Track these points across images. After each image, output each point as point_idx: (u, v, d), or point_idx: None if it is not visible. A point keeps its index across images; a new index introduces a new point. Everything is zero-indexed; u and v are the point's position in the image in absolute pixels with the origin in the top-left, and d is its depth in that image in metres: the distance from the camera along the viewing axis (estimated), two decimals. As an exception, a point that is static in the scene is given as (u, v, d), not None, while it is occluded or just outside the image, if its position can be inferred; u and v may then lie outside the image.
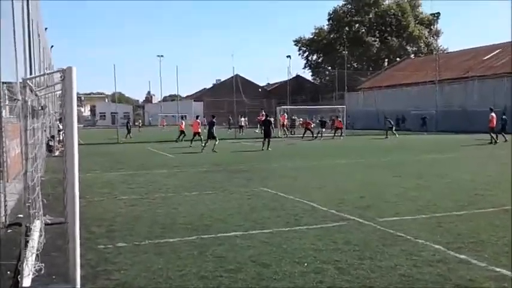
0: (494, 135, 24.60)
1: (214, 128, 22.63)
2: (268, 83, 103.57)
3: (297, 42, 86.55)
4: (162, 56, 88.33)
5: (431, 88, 48.72)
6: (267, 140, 22.74)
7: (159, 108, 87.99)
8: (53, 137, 22.13)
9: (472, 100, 43.63)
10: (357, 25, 79.39)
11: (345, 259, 5.39)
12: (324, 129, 33.20)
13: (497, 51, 49.81)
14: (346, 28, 79.03)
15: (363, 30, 77.75)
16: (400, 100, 51.21)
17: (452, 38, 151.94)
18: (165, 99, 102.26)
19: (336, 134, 33.60)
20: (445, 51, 70.70)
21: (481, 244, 5.84)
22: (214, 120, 23.29)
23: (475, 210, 7.87)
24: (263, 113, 30.89)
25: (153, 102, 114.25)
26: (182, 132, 30.85)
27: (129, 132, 37.71)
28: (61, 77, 4.48)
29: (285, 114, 39.51)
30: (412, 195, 9.54)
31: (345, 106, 41.98)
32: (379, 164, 15.83)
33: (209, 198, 9.71)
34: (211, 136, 22.63)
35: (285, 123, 37.81)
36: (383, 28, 78.50)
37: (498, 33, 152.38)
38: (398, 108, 49.54)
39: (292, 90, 65.68)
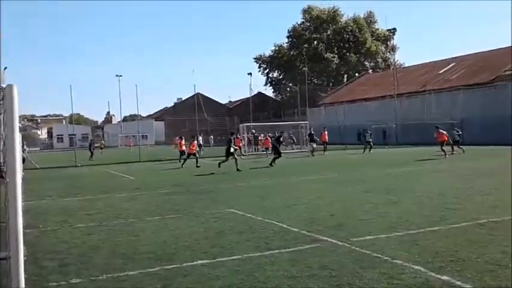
0: (446, 148, 24.59)
1: (232, 145, 21.60)
2: (230, 101, 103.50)
3: (257, 59, 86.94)
4: (120, 75, 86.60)
5: (390, 102, 49.61)
6: (232, 159, 21.53)
7: (119, 129, 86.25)
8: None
9: (430, 113, 44.62)
10: (316, 42, 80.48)
11: (321, 287, 4.99)
12: (315, 145, 32.10)
13: (452, 64, 51.41)
14: (306, 45, 79.97)
15: (322, 46, 78.82)
16: (361, 114, 51.87)
17: (408, 53, 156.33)
18: (125, 119, 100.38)
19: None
20: (402, 66, 72.47)
21: (461, 263, 5.57)
22: (232, 137, 22.37)
23: (449, 226, 7.65)
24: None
25: (113, 122, 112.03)
26: (182, 152, 29.71)
27: (92, 154, 36.49)
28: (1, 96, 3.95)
29: (240, 137, 37.57)
30: (382, 211, 9.30)
31: (307, 122, 42.11)
32: (346, 179, 15.64)
33: (172, 222, 9.17)
34: (228, 154, 21.95)
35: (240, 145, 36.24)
36: (341, 44, 79.89)
37: (452, 47, 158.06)
38: (359, 122, 50.11)
39: (255, 107, 65.68)
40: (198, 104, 66.63)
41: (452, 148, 25.52)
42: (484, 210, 8.90)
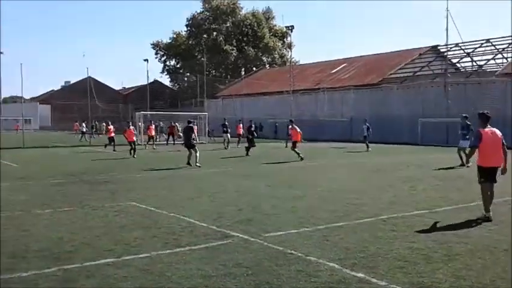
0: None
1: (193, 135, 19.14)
2: (124, 87, 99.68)
3: (154, 45, 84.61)
4: (1, 52, 78.96)
5: (286, 98, 50.99)
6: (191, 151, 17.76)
7: (-2, 111, 78.83)
8: None
9: (323, 110, 46.63)
10: (215, 33, 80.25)
11: (240, 286, 4.78)
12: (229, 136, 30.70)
13: (343, 65, 54.14)
14: (205, 35, 79.43)
15: (221, 38, 78.79)
16: (258, 108, 52.74)
17: (303, 51, 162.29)
18: (5, 100, 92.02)
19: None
20: (297, 63, 74.93)
21: (372, 259, 5.68)
22: (190, 125, 19.07)
23: (355, 221, 7.86)
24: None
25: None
26: (151, 137, 28.99)
27: None
28: None
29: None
30: (289, 206, 9.34)
31: (206, 113, 41.79)
32: (248, 173, 15.63)
33: (67, 216, 8.40)
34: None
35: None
36: (240, 38, 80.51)
37: (343, 48, 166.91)
38: (256, 116, 50.92)
39: (151, 95, 63.80)
40: (90, 88, 63.07)
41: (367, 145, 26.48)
42: (383, 206, 9.30)
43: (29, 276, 5.14)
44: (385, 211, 8.73)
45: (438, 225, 7.61)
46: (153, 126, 31.29)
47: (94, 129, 50.06)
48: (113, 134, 27.10)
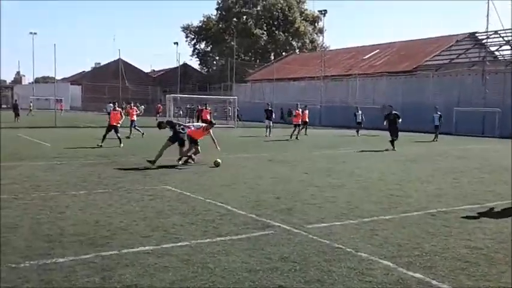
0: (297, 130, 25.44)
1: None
2: (154, 70, 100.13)
3: (184, 29, 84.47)
4: (35, 33, 79.61)
5: (316, 83, 50.19)
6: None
7: (30, 90, 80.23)
8: None
9: (354, 97, 45.72)
10: (245, 17, 79.51)
11: (289, 283, 4.44)
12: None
13: (376, 51, 52.88)
14: (235, 19, 78.77)
15: (251, 22, 78.04)
16: (288, 93, 52.11)
17: (334, 36, 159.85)
18: (37, 80, 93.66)
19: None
20: (328, 49, 73.70)
21: (428, 258, 5.26)
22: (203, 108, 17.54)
23: (402, 214, 7.42)
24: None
25: (23, 83, 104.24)
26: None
27: (17, 115, 33.38)
28: None
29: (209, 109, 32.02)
30: (329, 195, 8.93)
31: (236, 97, 41.46)
32: (282, 159, 15.26)
33: (102, 198, 8.20)
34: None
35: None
36: (270, 22, 79.60)
37: (376, 34, 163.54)
38: (286, 101, 50.37)
39: (180, 78, 63.85)
40: (120, 70, 63.60)
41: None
42: (429, 198, 8.82)
43: (66, 262, 4.91)
44: (432, 204, 8.26)
45: (492, 221, 7.11)
46: (209, 110, 29.22)
47: (124, 111, 50.37)
48: (134, 117, 26.19)
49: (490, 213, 7.71)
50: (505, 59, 41.31)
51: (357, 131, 29.95)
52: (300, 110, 26.77)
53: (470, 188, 10.27)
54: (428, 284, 4.50)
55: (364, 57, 52.60)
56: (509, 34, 41.75)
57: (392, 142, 18.75)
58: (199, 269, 4.76)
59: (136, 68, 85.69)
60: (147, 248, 5.42)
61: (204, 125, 14.61)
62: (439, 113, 27.63)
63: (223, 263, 4.97)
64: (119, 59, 61.99)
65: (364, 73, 47.55)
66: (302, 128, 26.70)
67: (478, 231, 6.46)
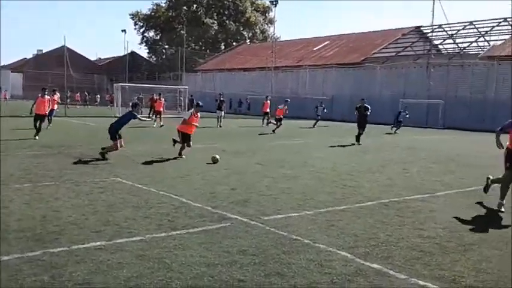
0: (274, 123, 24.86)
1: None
2: (100, 58, 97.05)
3: (133, 16, 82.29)
4: (-28, 16, 75.30)
5: (267, 74, 50.30)
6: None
7: (-33, 78, 75.86)
8: None
9: (305, 88, 46.22)
10: (195, 5, 78.42)
11: (249, 277, 4.35)
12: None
13: (326, 43, 53.60)
14: (185, 7, 77.53)
15: (202, 11, 77.07)
16: (238, 84, 51.99)
17: (284, 27, 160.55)
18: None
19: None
20: (278, 40, 73.98)
21: (385, 248, 5.33)
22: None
23: (356, 205, 7.50)
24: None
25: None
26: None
27: None
28: None
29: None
30: (283, 186, 8.92)
31: (187, 87, 40.86)
32: (235, 150, 15.14)
33: (49, 192, 7.80)
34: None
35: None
36: (221, 11, 78.95)
37: (327, 26, 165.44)
38: (237, 91, 50.24)
39: (127, 67, 62.26)
40: (65, 58, 61.11)
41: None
42: (381, 189, 8.99)
43: (11, 260, 4.60)
44: (385, 194, 8.42)
45: (442, 210, 7.32)
46: (163, 101, 27.65)
47: (68, 100, 48.61)
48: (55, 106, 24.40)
49: (440, 203, 7.94)
50: (449, 53, 42.95)
51: (315, 123, 30.12)
52: (269, 101, 27.52)
53: (420, 177, 10.57)
54: (386, 274, 4.54)
55: (315, 49, 53.20)
56: (453, 28, 43.39)
57: (358, 137, 18.36)
58: (155, 265, 4.59)
59: (81, 55, 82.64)
60: (98, 243, 5.18)
61: (190, 112, 13.49)
62: (406, 111, 28.65)
63: (180, 257, 4.82)
64: (64, 46, 59.53)
65: (314, 64, 48.11)
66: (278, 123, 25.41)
67: (429, 221, 6.62)
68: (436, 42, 45.53)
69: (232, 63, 57.51)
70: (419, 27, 47.57)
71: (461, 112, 34.30)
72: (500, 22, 41.08)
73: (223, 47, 75.52)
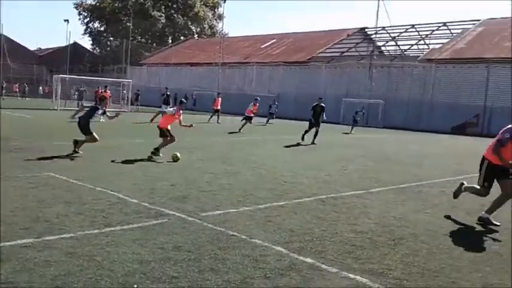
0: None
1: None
2: (40, 48, 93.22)
3: (77, 6, 79.56)
4: None
5: (214, 70, 50.12)
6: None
7: None
8: None
9: (251, 85, 46.41)
10: (143, -3, 76.91)
11: (182, 274, 4.31)
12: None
13: (273, 40, 54.05)
14: (132, -1, 75.88)
15: (149, 3, 75.62)
16: (185, 79, 51.47)
17: (232, 23, 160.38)
18: None
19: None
20: (226, 36, 73.80)
21: (319, 243, 5.43)
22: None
23: (294, 201, 7.61)
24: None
25: None
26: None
27: None
28: None
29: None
30: (224, 182, 8.92)
31: (130, 80, 39.97)
32: (178, 145, 14.94)
33: (-25, 187, 7.39)
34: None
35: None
36: (169, 4, 77.83)
37: (274, 24, 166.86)
38: (183, 87, 49.70)
39: (70, 58, 60.13)
40: (2, 46, 58.35)
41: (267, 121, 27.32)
42: (319, 185, 9.17)
43: None
44: (322, 190, 8.59)
45: (376, 206, 7.56)
46: (109, 93, 26.65)
47: (4, 91, 46.54)
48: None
49: (374, 199, 8.19)
50: (390, 54, 44.45)
51: (267, 120, 30.37)
52: (220, 98, 27.69)
53: (357, 175, 10.87)
54: (318, 268, 4.64)
55: (262, 46, 53.53)
56: (396, 31, 44.91)
57: (304, 134, 18.12)
58: (85, 262, 4.45)
59: (20, 45, 79.04)
60: (26, 240, 4.96)
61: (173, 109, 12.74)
62: (363, 111, 29.42)
63: (112, 254, 4.70)
64: (1, 35, 56.72)
65: (261, 62, 48.40)
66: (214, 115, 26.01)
67: (363, 216, 6.82)
68: (379, 43, 47.00)
69: (179, 58, 56.84)
70: (363, 28, 48.91)
71: (400, 112, 35.60)
72: (439, 26, 42.97)
73: (170, 41, 74.48)
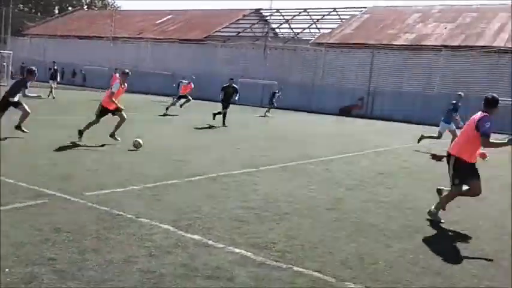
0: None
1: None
2: None
3: None
4: None
5: (104, 44, 47.82)
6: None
7: None
8: None
9: (145, 61, 45.06)
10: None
11: (62, 256, 4.09)
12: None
13: (169, 16, 52.75)
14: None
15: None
16: (73, 53, 48.51)
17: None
18: None
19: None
20: (119, 9, 70.59)
21: (207, 220, 5.47)
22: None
23: (185, 179, 7.56)
24: None
25: None
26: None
27: None
28: None
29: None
30: (114, 161, 8.61)
31: (11, 52, 36.70)
32: (64, 123, 14.12)
33: None
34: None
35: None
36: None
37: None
38: (71, 61, 46.86)
39: None
40: None
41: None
42: (211, 164, 9.21)
43: None
44: (214, 169, 8.63)
45: (265, 183, 7.79)
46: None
47: None
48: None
49: (263, 176, 8.43)
50: (284, 37, 45.59)
51: (268, 110, 27.95)
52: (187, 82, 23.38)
53: (248, 153, 11.09)
54: (205, 244, 4.68)
55: (157, 22, 52.00)
56: (289, 13, 46.07)
57: (216, 114, 17.43)
58: (-51, 249, 4.06)
59: None
60: None
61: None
62: (279, 93, 28.57)
63: (-18, 238, 4.33)
64: None
65: (156, 38, 47.08)
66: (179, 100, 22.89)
67: (251, 193, 6.99)
68: (274, 25, 47.95)
69: (67, 30, 53.33)
70: (259, 9, 49.49)
71: (293, 93, 36.81)
72: (330, 12, 44.83)
73: (57, 11, 69.46)
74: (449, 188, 6.42)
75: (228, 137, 14.21)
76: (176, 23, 50.69)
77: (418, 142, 14.41)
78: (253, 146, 12.48)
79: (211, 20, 48.11)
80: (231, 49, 42.24)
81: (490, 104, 6.21)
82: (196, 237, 4.85)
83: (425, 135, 14.55)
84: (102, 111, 10.93)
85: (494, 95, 6.37)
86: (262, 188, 7.45)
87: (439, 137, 14.33)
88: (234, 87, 18.13)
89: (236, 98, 18.25)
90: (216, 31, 45.90)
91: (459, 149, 6.23)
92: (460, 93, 15.20)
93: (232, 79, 18.67)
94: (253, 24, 46.59)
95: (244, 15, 48.58)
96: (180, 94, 22.69)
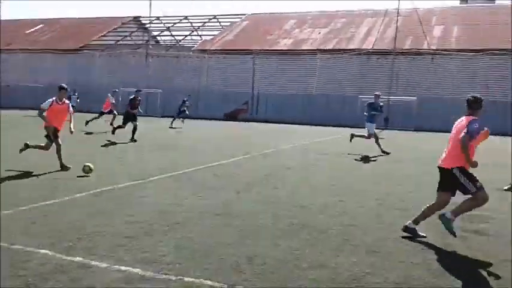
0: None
1: None
2: None
3: None
4: None
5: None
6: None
7: None
8: None
9: (14, 73, 41.87)
10: None
11: None
12: None
13: (40, 26, 49.52)
14: None
15: None
16: None
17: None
18: None
19: None
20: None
21: (90, 239, 5.17)
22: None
23: (65, 198, 7.08)
24: None
25: None
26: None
27: None
28: None
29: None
30: (-20, 185, 7.81)
31: None
32: None
33: None
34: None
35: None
36: None
37: (41, 8, 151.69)
38: None
39: None
40: None
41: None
42: (93, 180, 8.75)
43: None
44: (97, 184, 8.21)
45: (153, 195, 7.58)
46: None
47: None
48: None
49: (152, 187, 8.21)
50: (166, 44, 45.03)
51: (181, 120, 26.68)
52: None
53: (135, 165, 10.77)
54: (87, 265, 4.41)
55: (27, 32, 48.51)
56: (170, 21, 45.64)
57: (116, 128, 16.55)
58: None
59: None
60: None
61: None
62: (188, 101, 27.38)
63: None
64: None
65: (26, 48, 43.88)
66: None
67: (138, 206, 6.76)
68: (154, 33, 47.16)
69: None
70: (138, 17, 48.38)
71: (177, 101, 36.43)
72: (211, 19, 45.20)
73: None
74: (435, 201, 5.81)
75: (116, 148, 13.63)
76: (49, 32, 47.73)
77: (350, 141, 15.50)
78: (139, 156, 12.12)
79: (87, 28, 46.02)
80: (110, 58, 40.75)
81: (474, 104, 5.63)
82: (77, 259, 4.56)
83: (355, 134, 15.58)
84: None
85: (477, 95, 5.73)
86: (151, 199, 7.25)
87: (369, 136, 15.03)
88: (139, 99, 17.51)
89: (140, 110, 17.62)
90: (94, 40, 44.02)
91: (456, 160, 5.55)
92: (377, 93, 15.98)
93: (139, 91, 18.02)
94: (133, 32, 45.42)
95: (123, 23, 47.16)
96: (102, 111, 21.22)
